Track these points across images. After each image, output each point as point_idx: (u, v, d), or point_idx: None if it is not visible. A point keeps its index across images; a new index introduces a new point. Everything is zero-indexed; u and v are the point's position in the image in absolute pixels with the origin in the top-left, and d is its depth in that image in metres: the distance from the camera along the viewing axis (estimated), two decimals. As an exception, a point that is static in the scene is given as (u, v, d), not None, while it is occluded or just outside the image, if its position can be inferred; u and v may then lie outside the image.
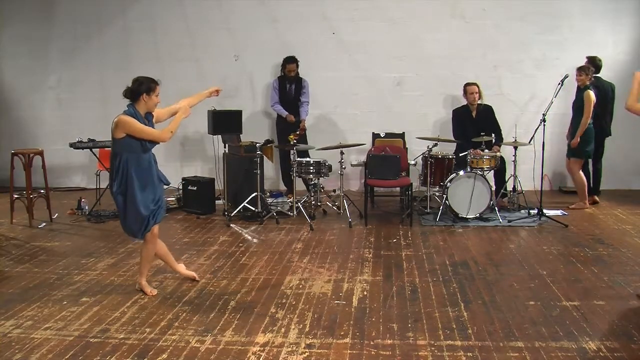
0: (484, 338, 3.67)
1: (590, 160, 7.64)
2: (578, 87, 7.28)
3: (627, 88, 8.44)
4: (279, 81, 8.17)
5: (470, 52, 8.53)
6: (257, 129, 8.74)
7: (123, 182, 4.31)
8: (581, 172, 7.40)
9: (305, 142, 7.84)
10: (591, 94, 7.05)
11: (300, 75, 8.17)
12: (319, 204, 7.39)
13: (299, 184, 7.74)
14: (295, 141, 7.03)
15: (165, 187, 4.64)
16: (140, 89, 4.29)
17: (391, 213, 7.44)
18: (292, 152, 7.01)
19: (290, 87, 8.13)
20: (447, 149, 7.47)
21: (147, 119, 4.40)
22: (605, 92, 7.50)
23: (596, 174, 7.74)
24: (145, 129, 4.28)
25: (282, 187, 8.59)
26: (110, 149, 7.34)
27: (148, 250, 4.54)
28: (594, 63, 7.48)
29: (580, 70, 7.23)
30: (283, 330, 3.82)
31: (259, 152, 7.01)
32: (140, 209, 4.35)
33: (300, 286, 4.67)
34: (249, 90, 8.88)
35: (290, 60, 8.06)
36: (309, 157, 7.57)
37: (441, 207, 6.88)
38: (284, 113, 8.10)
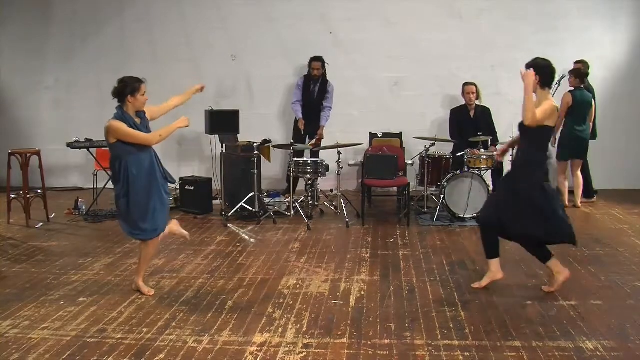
0: (481, 338, 3.67)
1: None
2: None
3: (624, 88, 8.57)
4: (304, 79, 8.10)
5: (467, 52, 8.53)
6: (254, 129, 8.74)
7: (125, 184, 4.29)
8: (562, 175, 7.51)
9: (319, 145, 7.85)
10: (565, 96, 7.20)
11: (327, 78, 8.10)
12: (316, 203, 7.39)
13: (301, 184, 7.74)
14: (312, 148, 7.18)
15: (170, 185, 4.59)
16: (125, 91, 4.27)
17: (388, 213, 7.44)
18: (289, 152, 7.03)
19: (314, 87, 8.05)
20: (445, 149, 7.48)
21: (140, 116, 4.37)
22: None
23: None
24: (132, 133, 4.23)
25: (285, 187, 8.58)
26: (107, 148, 7.44)
27: (149, 251, 4.52)
28: (585, 67, 7.56)
29: (570, 73, 7.33)
30: (280, 330, 3.82)
31: (256, 152, 7.01)
32: (149, 209, 4.33)
33: (298, 286, 4.67)
34: (246, 90, 8.87)
35: (316, 59, 7.94)
36: (318, 157, 7.51)
37: (438, 207, 6.88)
38: (299, 115, 8.06)
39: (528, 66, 4.39)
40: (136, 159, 4.29)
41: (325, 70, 8.04)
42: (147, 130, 4.38)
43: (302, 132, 8.00)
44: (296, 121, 8.20)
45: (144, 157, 4.33)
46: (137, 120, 4.34)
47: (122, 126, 4.22)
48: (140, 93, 4.30)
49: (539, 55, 4.60)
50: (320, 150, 7.40)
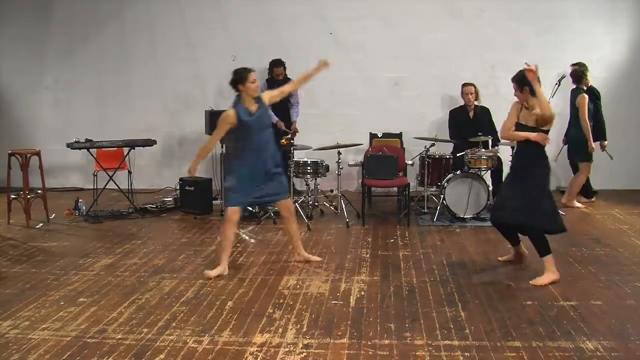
0: (481, 338, 3.67)
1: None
2: None
3: (624, 88, 8.57)
4: (267, 84, 8.02)
5: (467, 52, 8.53)
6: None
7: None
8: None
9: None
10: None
11: (290, 77, 8.07)
12: (316, 204, 7.39)
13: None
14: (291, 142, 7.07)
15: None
16: (236, 80, 4.78)
17: (388, 213, 7.44)
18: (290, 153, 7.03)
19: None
20: (445, 149, 7.48)
21: (257, 102, 4.86)
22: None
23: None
24: (216, 129, 4.89)
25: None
26: (107, 148, 7.48)
27: (223, 229, 5.00)
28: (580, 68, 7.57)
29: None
30: (280, 330, 3.82)
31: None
32: (234, 182, 4.88)
33: (298, 286, 4.67)
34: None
35: (277, 64, 7.90)
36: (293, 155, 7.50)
37: (438, 207, 6.88)
38: (274, 119, 8.03)
39: (513, 80, 4.73)
40: (243, 143, 4.84)
41: (285, 71, 8.00)
42: (265, 114, 4.94)
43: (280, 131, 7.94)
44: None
45: (252, 141, 4.84)
46: (253, 107, 4.83)
47: (222, 120, 4.82)
48: (249, 81, 4.75)
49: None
50: (320, 150, 7.39)
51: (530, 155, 4.79)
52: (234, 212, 4.93)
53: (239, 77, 4.77)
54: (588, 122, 7.19)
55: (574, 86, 7.40)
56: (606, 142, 7.60)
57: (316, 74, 5.18)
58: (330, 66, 5.19)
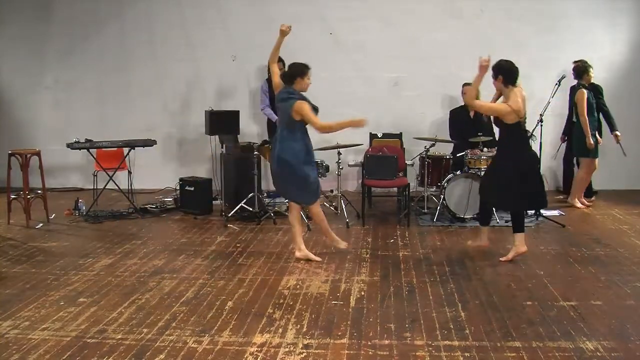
0: (481, 338, 3.67)
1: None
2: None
3: (624, 88, 8.57)
4: (268, 84, 8.02)
5: (467, 52, 8.49)
6: (254, 130, 8.75)
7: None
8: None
9: None
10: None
11: None
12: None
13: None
14: None
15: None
16: (296, 72, 5.04)
17: (388, 213, 7.44)
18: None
19: None
20: (445, 149, 7.48)
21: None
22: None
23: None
24: (311, 116, 4.99)
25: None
26: (107, 149, 7.46)
27: (314, 214, 5.39)
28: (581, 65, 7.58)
29: None
30: (280, 330, 3.82)
31: (256, 153, 7.01)
32: (309, 177, 5.14)
33: (298, 286, 4.67)
34: (247, 91, 8.87)
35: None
36: None
37: (438, 208, 6.88)
38: (274, 117, 8.02)
39: (492, 68, 5.18)
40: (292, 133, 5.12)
41: (285, 69, 7.96)
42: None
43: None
44: (268, 126, 8.15)
45: (299, 133, 5.15)
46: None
47: (307, 106, 4.99)
48: (307, 77, 5.06)
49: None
50: (320, 150, 7.39)
51: (502, 145, 5.40)
52: (318, 204, 5.35)
53: (299, 71, 5.04)
54: (587, 117, 7.17)
55: (574, 83, 7.41)
56: (619, 133, 7.57)
57: (281, 43, 5.45)
58: (290, 27, 5.41)
